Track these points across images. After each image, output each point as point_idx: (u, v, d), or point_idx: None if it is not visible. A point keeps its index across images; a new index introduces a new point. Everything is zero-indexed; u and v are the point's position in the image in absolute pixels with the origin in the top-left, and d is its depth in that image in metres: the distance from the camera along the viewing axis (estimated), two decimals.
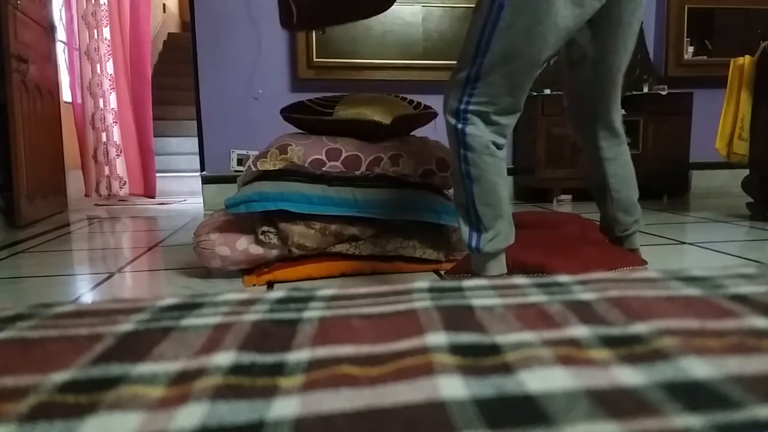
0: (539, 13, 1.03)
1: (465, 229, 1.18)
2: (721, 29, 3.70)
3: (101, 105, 4.02)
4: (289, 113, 1.68)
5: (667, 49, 3.63)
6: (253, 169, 1.50)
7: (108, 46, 4.07)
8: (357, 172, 1.50)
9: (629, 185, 1.38)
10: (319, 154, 1.48)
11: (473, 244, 1.16)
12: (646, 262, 1.45)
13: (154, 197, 4.15)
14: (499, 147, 1.14)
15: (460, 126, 1.13)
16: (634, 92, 3.43)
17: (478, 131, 1.12)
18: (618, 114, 1.34)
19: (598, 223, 1.58)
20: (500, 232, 1.15)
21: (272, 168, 1.48)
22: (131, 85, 4.20)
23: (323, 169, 1.49)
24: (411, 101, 1.66)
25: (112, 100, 4.13)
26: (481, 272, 1.18)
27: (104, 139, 4.04)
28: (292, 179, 1.50)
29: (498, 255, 1.17)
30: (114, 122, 4.11)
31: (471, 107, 1.12)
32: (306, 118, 1.59)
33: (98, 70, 4.00)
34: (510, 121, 1.15)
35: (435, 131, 1.74)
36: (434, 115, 1.70)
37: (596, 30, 1.22)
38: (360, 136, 1.55)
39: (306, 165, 1.48)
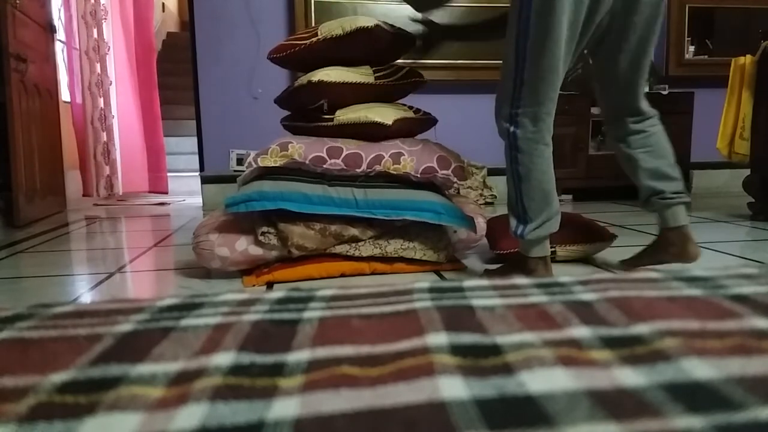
0: (559, 19, 1.18)
1: (513, 221, 1.33)
2: (722, 29, 3.70)
3: (101, 104, 4.02)
4: (290, 122, 1.68)
5: (668, 48, 3.63)
6: (254, 165, 1.50)
7: (108, 45, 4.07)
8: (358, 170, 1.50)
9: (661, 157, 1.41)
10: (320, 151, 1.48)
11: (518, 231, 1.31)
12: (615, 237, 1.59)
13: (167, 192, 4.18)
14: (547, 144, 1.28)
15: (512, 129, 1.27)
16: None
17: (527, 133, 1.26)
18: (640, 96, 1.40)
19: (601, 223, 1.58)
20: (543, 223, 1.29)
21: (273, 164, 1.48)
22: (138, 85, 4.21)
23: (324, 166, 1.49)
24: (411, 107, 1.65)
25: (114, 100, 4.13)
26: (526, 254, 1.33)
27: (104, 138, 4.04)
28: (292, 178, 1.50)
29: (541, 241, 1.31)
30: (114, 120, 4.11)
31: (521, 110, 1.26)
32: (308, 126, 1.58)
33: (98, 70, 4.00)
34: (552, 114, 1.29)
35: (435, 138, 1.73)
36: (434, 121, 1.70)
37: (612, 23, 1.31)
38: (361, 138, 1.55)
39: (307, 162, 1.48)
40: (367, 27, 1.48)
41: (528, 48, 1.22)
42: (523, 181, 1.28)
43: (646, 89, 3.60)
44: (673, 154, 1.42)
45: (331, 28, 1.52)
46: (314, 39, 1.54)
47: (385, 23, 1.55)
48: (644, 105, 1.41)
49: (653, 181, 1.39)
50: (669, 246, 1.40)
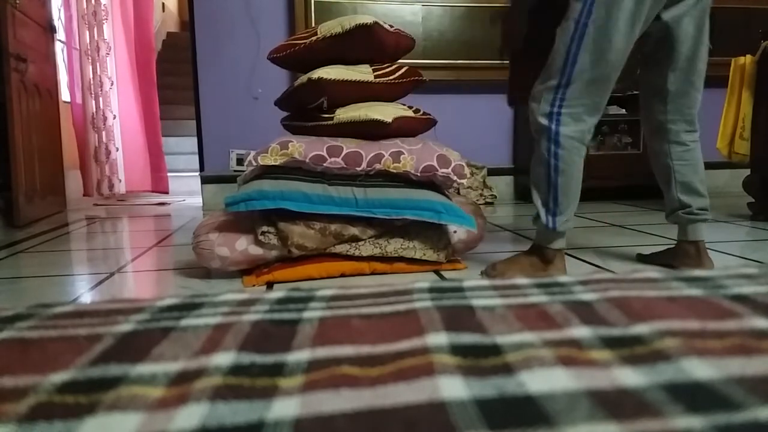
0: (620, 24, 1.24)
1: (542, 212, 1.38)
2: (722, 29, 3.69)
3: (101, 105, 4.02)
4: (289, 121, 1.68)
5: None
6: (254, 163, 1.50)
7: (109, 46, 4.07)
8: (358, 169, 1.50)
9: (695, 173, 1.49)
10: (320, 150, 1.48)
11: (550, 225, 1.37)
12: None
13: (168, 192, 4.18)
14: (584, 144, 1.35)
15: (553, 126, 1.32)
16: (635, 92, 3.43)
17: (570, 131, 1.31)
18: (695, 104, 1.47)
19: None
20: (571, 216, 1.38)
21: (273, 163, 1.48)
22: (138, 85, 4.21)
23: (324, 165, 1.49)
24: (411, 107, 1.65)
25: (114, 100, 4.13)
26: (547, 245, 1.40)
27: (104, 138, 4.04)
28: (292, 177, 1.50)
29: (564, 233, 1.39)
30: (115, 120, 4.11)
31: (564, 109, 1.30)
32: (307, 125, 1.59)
33: (98, 70, 4.00)
34: (595, 120, 1.34)
35: (435, 138, 1.73)
36: (434, 122, 1.70)
37: (667, 25, 1.39)
38: (361, 137, 1.55)
39: (307, 161, 1.48)
40: (366, 24, 1.48)
41: (579, 54, 1.27)
42: (561, 175, 1.34)
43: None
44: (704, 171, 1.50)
45: (330, 27, 1.53)
46: (314, 38, 1.54)
47: (385, 23, 1.55)
48: (694, 114, 1.48)
49: (684, 195, 1.48)
50: (685, 257, 1.49)
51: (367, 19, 1.49)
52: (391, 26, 1.58)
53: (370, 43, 1.55)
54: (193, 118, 3.49)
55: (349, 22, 1.50)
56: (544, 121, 1.33)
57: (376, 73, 1.56)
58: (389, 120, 1.50)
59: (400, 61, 1.71)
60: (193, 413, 0.29)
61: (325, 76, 1.47)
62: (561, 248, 1.41)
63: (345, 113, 1.53)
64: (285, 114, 1.78)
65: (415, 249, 1.55)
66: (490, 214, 2.87)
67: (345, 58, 1.56)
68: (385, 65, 1.61)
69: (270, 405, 0.30)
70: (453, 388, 0.31)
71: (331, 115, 1.54)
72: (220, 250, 1.46)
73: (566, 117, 1.31)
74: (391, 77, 1.57)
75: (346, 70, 1.52)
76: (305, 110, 1.63)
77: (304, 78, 1.52)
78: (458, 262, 1.64)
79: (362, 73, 1.54)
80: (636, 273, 0.54)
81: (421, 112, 1.66)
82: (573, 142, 1.32)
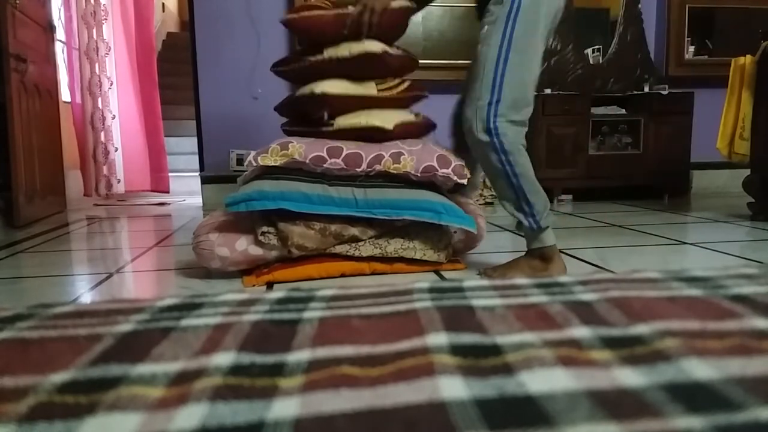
0: (536, 48, 1.41)
1: (521, 217, 1.44)
2: (722, 29, 3.70)
3: (100, 105, 4.02)
4: (290, 127, 1.68)
5: (668, 48, 3.63)
6: (254, 164, 1.50)
7: (108, 46, 4.07)
8: (358, 170, 1.50)
9: None
10: (320, 151, 1.48)
11: (534, 226, 1.43)
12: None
13: (168, 192, 4.19)
14: (525, 145, 1.44)
15: (496, 139, 1.41)
16: (635, 92, 3.43)
17: (511, 138, 1.41)
18: None
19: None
20: (548, 210, 1.44)
21: (273, 163, 1.48)
22: (138, 85, 4.21)
23: (324, 166, 1.49)
24: (411, 111, 1.65)
25: (113, 100, 4.13)
26: (543, 244, 1.45)
27: (103, 138, 4.04)
28: (292, 178, 1.50)
29: (549, 227, 1.45)
30: (115, 120, 4.11)
31: (500, 121, 1.40)
32: (308, 131, 1.58)
33: (97, 70, 4.00)
34: (526, 118, 1.44)
35: (435, 138, 1.73)
36: (433, 126, 1.70)
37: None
38: (362, 141, 1.55)
39: (307, 162, 1.48)
40: (375, 53, 1.47)
41: (506, 75, 1.40)
42: (520, 178, 1.42)
43: (646, 89, 3.58)
44: None
45: (337, 50, 1.51)
46: (320, 58, 1.53)
47: (393, 47, 1.53)
48: None
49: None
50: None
51: (376, 48, 1.47)
52: (398, 48, 1.57)
53: (377, 67, 1.54)
54: (193, 118, 3.49)
55: (357, 48, 1.48)
56: (485, 137, 1.41)
57: (379, 87, 1.55)
58: (390, 127, 1.50)
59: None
60: (193, 413, 0.30)
61: (329, 91, 1.47)
62: (554, 243, 1.46)
63: (345, 120, 1.53)
64: (283, 123, 1.77)
65: (415, 249, 1.55)
66: (490, 214, 2.87)
67: (351, 75, 1.55)
68: (388, 80, 1.60)
69: (270, 405, 0.30)
70: (453, 388, 0.31)
71: (332, 122, 1.54)
72: (220, 250, 1.46)
73: (503, 127, 1.40)
74: (394, 92, 1.57)
75: (349, 84, 1.52)
76: (306, 118, 1.62)
77: (306, 89, 1.51)
78: (458, 262, 1.64)
79: (365, 88, 1.54)
80: (636, 273, 0.54)
81: (422, 116, 1.66)
82: (517, 145, 1.41)
